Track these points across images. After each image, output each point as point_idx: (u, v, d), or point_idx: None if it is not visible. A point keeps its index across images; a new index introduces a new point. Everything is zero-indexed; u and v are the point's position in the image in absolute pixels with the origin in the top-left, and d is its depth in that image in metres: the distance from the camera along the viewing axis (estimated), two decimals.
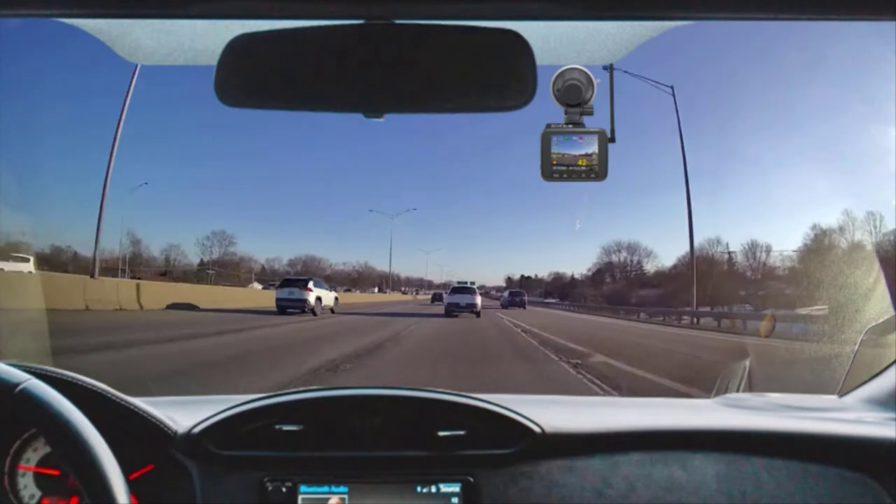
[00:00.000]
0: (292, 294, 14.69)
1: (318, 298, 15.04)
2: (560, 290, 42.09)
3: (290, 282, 15.69)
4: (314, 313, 14.49)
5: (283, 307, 14.46)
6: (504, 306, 25.63)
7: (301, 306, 14.46)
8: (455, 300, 15.83)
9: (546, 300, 39.90)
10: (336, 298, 17.23)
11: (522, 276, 44.52)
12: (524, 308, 25.06)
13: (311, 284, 15.05)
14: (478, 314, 15.58)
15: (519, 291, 28.69)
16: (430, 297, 30.94)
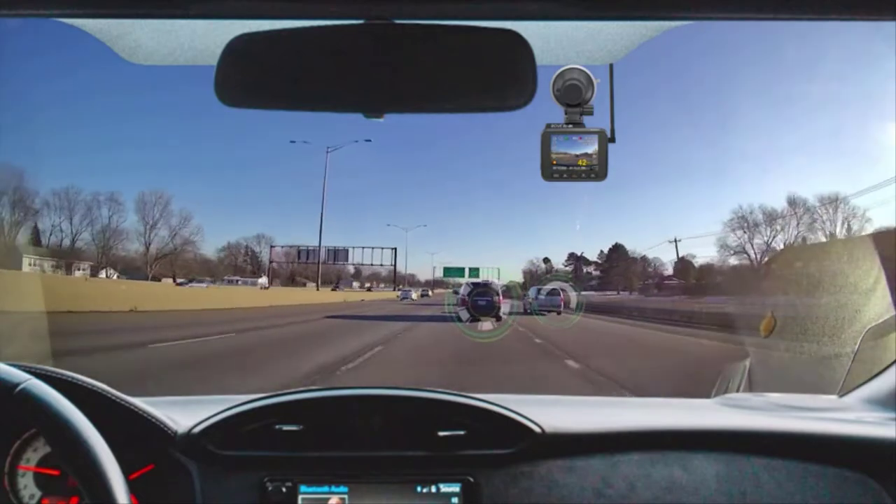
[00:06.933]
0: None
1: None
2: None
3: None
4: None
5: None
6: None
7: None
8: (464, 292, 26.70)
9: None
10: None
11: (576, 254, 27.43)
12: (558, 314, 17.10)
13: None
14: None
15: (555, 289, 18.96)
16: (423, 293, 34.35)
